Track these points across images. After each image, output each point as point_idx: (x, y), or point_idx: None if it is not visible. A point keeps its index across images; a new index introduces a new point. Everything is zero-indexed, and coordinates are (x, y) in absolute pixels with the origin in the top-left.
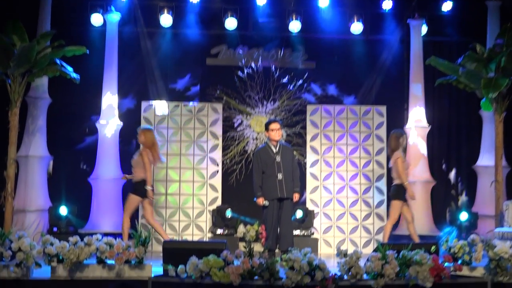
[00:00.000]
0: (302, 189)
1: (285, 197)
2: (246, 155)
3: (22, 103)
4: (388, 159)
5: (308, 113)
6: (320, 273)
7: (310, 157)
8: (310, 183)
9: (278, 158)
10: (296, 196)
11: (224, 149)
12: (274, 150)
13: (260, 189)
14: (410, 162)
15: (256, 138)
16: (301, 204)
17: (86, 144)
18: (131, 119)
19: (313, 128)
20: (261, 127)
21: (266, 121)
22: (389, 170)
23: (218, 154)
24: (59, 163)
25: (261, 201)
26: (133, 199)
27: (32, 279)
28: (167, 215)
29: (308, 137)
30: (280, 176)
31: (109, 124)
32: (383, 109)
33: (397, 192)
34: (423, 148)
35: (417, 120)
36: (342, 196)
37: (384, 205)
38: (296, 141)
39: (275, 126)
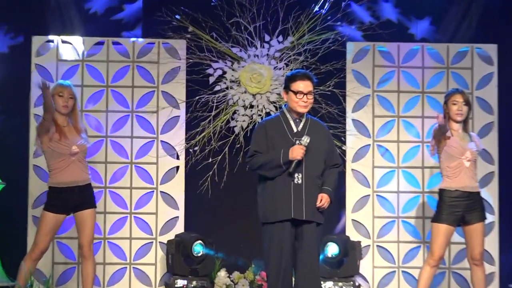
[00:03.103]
0: (339, 199)
1: (305, 219)
2: (231, 139)
3: None
4: (502, 144)
5: (349, 58)
6: None
7: (353, 142)
8: (353, 190)
9: (291, 168)
10: (323, 199)
11: (191, 126)
12: (295, 129)
13: (275, 152)
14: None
15: (251, 106)
16: (335, 231)
17: None
18: (13, 67)
19: (360, 86)
20: (260, 85)
21: (268, 73)
22: (502, 166)
23: (178, 137)
24: None
25: (299, 150)
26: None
27: None
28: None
29: (350, 104)
30: (299, 178)
31: None
32: (491, 50)
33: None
34: None
35: None
36: (414, 215)
37: (495, 232)
38: (327, 110)
39: (303, 84)
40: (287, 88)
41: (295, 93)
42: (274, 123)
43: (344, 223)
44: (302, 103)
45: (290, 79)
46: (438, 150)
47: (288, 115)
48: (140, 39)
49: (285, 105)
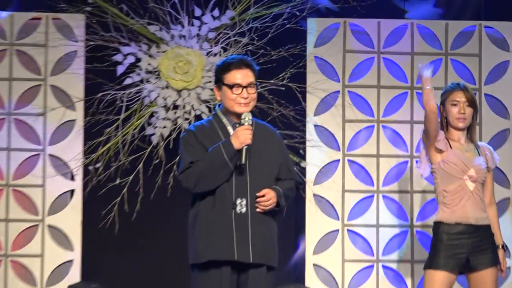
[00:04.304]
0: (296, 228)
1: (252, 262)
2: (146, 152)
3: None
4: None
5: (311, 40)
6: None
7: (316, 157)
8: (316, 223)
9: (242, 158)
10: (268, 194)
11: (91, 135)
12: None
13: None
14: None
15: (175, 107)
16: (291, 278)
17: None
18: None
19: (325, 79)
20: (187, 77)
21: (199, 61)
22: None
23: (73, 149)
24: None
25: (245, 131)
26: None
27: None
28: None
29: (312, 104)
30: (242, 205)
31: None
32: (506, 29)
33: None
34: None
35: None
36: (400, 259)
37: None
38: (279, 112)
39: (241, 74)
40: (219, 82)
41: (231, 86)
42: (205, 130)
43: (302, 267)
44: (241, 100)
45: (222, 69)
46: (430, 160)
47: (224, 119)
48: (20, 13)
49: (219, 106)
